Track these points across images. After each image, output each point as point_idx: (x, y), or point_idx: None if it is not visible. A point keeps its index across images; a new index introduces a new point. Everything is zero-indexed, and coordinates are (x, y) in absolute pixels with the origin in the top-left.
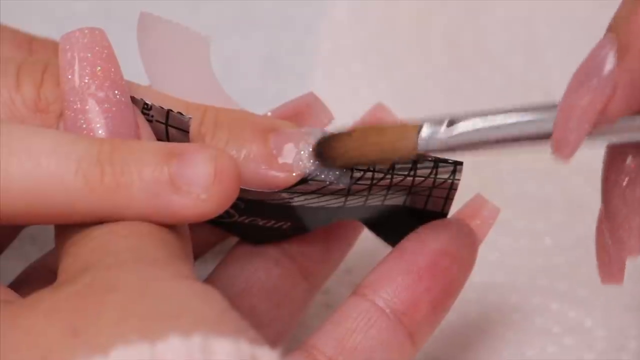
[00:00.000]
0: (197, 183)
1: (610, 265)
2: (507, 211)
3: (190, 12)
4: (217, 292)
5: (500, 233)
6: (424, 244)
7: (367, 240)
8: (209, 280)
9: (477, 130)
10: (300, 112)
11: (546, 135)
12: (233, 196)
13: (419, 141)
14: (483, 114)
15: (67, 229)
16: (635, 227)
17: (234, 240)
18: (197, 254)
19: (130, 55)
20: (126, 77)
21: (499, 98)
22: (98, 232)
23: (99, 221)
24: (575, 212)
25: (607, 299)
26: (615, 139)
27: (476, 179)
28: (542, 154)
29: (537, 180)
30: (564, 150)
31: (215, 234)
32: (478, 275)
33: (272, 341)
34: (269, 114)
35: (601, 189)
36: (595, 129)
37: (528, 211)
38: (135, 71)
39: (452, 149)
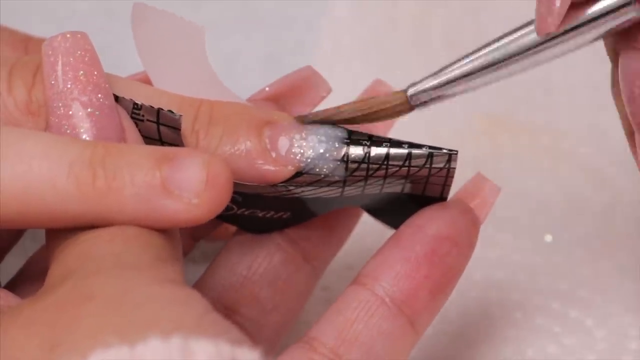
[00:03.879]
0: (188, 188)
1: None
2: (508, 209)
3: (192, 11)
4: (198, 295)
5: (500, 230)
6: (422, 230)
7: (368, 235)
8: (210, 270)
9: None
10: (298, 85)
11: (527, 46)
12: (225, 201)
13: (408, 94)
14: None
15: (57, 234)
16: None
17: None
18: (200, 236)
19: (131, 54)
20: (127, 75)
21: (499, 96)
22: (84, 237)
23: (91, 225)
24: (576, 210)
25: (608, 299)
26: (599, 28)
27: None
28: (542, 155)
29: (538, 179)
30: (548, 19)
31: (201, 229)
32: (478, 273)
33: (277, 328)
34: (267, 88)
35: (630, 110)
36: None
37: (528, 209)
38: (136, 69)
39: (443, 93)
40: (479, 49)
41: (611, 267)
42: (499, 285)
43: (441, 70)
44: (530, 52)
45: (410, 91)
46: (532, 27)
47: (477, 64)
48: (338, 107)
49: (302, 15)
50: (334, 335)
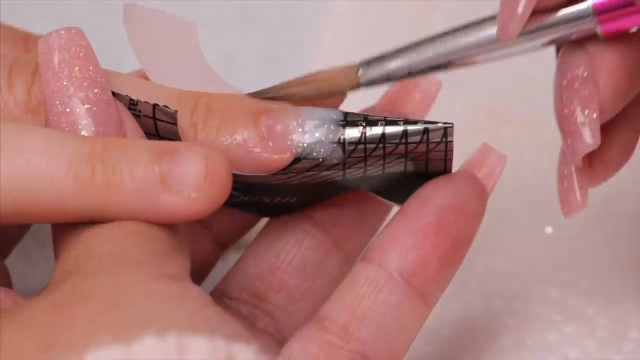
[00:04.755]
0: (187, 182)
1: (571, 189)
2: (509, 202)
3: (190, 8)
4: (196, 289)
5: (501, 222)
6: (428, 201)
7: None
8: (240, 259)
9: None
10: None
11: (486, 41)
12: (225, 194)
13: (360, 74)
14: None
15: (61, 231)
16: (588, 121)
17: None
18: (232, 238)
19: (130, 51)
20: (127, 72)
21: (499, 93)
22: (85, 236)
23: (91, 220)
24: None
25: (608, 289)
26: (555, 35)
27: None
28: (543, 148)
29: (539, 173)
30: (510, 25)
31: (228, 236)
32: (479, 264)
33: (307, 316)
34: None
35: (555, 97)
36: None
37: (529, 201)
38: (135, 66)
39: (393, 76)
40: (434, 38)
41: (612, 258)
42: (500, 276)
43: (394, 52)
44: (486, 49)
45: (362, 79)
46: (493, 24)
47: (430, 53)
48: (285, 86)
49: (300, 13)
50: (343, 313)
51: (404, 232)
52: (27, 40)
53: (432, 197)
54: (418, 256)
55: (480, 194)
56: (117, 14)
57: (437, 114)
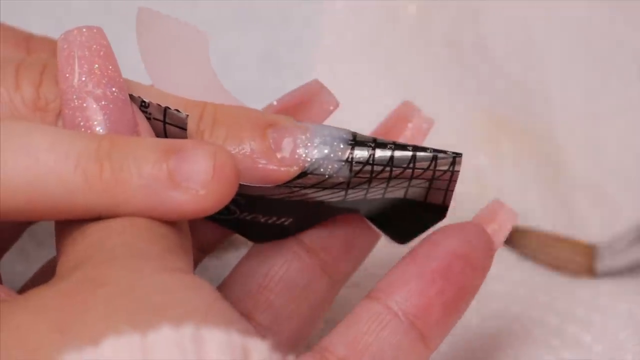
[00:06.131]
0: (195, 179)
1: None
2: None
3: (189, 7)
4: (207, 284)
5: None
6: (438, 247)
7: (375, 253)
8: (228, 277)
9: None
10: (306, 99)
11: None
12: (232, 192)
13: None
14: None
15: (66, 227)
16: None
17: None
18: (209, 249)
19: (129, 52)
20: (126, 74)
21: (499, 97)
22: (93, 229)
23: (98, 217)
24: (575, 226)
25: (606, 317)
26: None
27: (476, 187)
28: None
29: (538, 193)
30: None
31: (210, 241)
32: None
33: (292, 336)
34: (275, 102)
35: None
36: None
37: (529, 223)
38: (134, 68)
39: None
40: None
41: (610, 286)
42: (499, 298)
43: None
44: None
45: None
46: None
47: None
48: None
49: (299, 12)
50: (344, 346)
51: (412, 275)
52: (28, 41)
53: (442, 243)
54: (424, 300)
55: (489, 247)
56: (117, 14)
57: (439, 116)
